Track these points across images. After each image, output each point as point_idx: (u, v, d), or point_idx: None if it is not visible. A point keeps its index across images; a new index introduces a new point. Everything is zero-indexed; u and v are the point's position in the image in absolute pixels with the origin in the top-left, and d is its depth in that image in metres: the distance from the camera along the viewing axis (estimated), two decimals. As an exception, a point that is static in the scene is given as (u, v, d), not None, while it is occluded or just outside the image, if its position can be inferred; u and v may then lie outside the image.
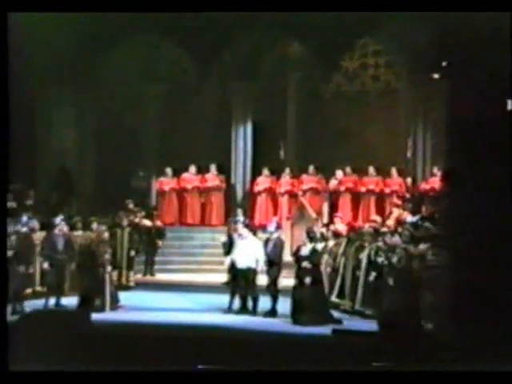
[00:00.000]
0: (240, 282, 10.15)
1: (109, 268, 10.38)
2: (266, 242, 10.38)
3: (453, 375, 5.66)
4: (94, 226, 11.45)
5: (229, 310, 10.20)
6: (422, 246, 9.52)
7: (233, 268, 10.32)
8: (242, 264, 10.16)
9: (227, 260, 10.48)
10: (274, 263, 10.17)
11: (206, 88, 14.86)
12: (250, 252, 10.14)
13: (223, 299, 10.33)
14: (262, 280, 10.30)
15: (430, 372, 5.76)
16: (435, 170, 13.39)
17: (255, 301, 10.14)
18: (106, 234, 10.76)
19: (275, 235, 10.42)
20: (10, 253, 10.29)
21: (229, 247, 10.52)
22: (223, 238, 11.21)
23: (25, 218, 11.39)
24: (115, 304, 10.36)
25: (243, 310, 10.19)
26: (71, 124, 14.45)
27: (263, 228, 11.31)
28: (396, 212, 12.65)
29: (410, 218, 11.82)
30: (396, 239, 9.98)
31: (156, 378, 5.80)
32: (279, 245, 10.34)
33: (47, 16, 12.91)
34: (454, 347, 6.77)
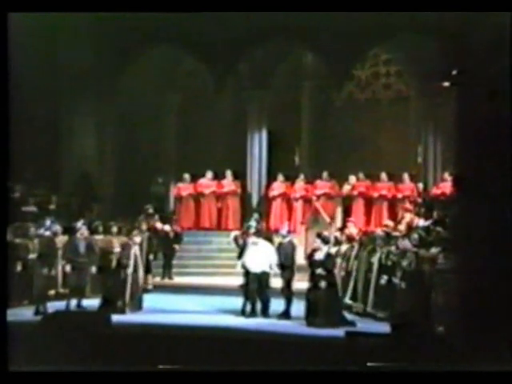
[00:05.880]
0: (253, 285, 10.09)
1: (129, 270, 10.37)
2: (279, 245, 10.36)
3: (455, 375, 5.63)
4: (114, 229, 11.48)
5: (243, 312, 10.16)
6: (434, 250, 9.43)
7: (246, 272, 10.26)
8: (255, 268, 10.12)
9: (238, 264, 10.41)
10: (286, 266, 10.13)
11: (222, 97, 14.90)
12: (262, 257, 10.09)
13: (239, 302, 10.28)
14: (276, 283, 10.26)
15: (434, 372, 5.74)
16: (445, 175, 13.33)
17: (267, 304, 10.09)
18: (138, 238, 10.64)
19: (287, 239, 10.39)
20: (33, 255, 10.43)
21: (241, 252, 10.47)
22: (235, 233, 11.18)
23: (48, 222, 11.46)
24: (138, 307, 10.31)
25: (257, 312, 10.12)
26: (92, 132, 14.51)
27: (278, 232, 11.28)
28: (408, 217, 12.56)
29: (421, 222, 11.72)
30: (407, 243, 9.88)
31: (157, 378, 5.77)
32: (291, 248, 10.31)
33: (71, 26, 13.10)
34: (464, 351, 6.69)
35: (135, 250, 10.49)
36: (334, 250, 10.40)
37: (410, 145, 14.65)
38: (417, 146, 14.45)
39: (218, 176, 14.83)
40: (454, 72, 8.20)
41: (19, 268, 10.34)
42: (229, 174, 14.77)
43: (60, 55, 14.04)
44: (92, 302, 10.42)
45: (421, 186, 13.91)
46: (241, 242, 10.70)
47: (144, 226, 12.29)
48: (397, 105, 14.99)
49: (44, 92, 13.55)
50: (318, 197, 14.11)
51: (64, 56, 14.06)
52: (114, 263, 10.73)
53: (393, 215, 13.66)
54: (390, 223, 12.22)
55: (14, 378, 5.51)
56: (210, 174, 14.79)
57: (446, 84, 10.17)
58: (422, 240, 10.00)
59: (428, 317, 8.79)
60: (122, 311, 10.04)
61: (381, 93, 15.35)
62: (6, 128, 6.10)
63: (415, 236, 10.05)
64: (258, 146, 15.11)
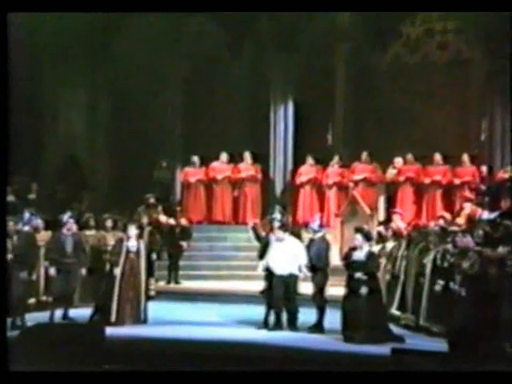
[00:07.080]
0: (278, 291, 10.05)
1: (118, 269, 10.29)
2: (310, 242, 10.34)
3: (455, 375, 6.01)
4: (108, 224, 11.48)
5: (265, 324, 10.17)
6: (501, 249, 9.34)
7: (269, 275, 10.25)
8: (280, 270, 10.11)
9: (260, 266, 10.42)
10: (318, 268, 10.13)
11: (239, 63, 15.00)
12: (289, 256, 10.10)
13: (261, 311, 10.29)
14: (306, 288, 10.25)
15: (434, 372, 6.10)
16: (516, 156, 13.33)
17: (295, 314, 10.10)
18: (133, 230, 10.45)
19: (319, 235, 10.37)
20: (9, 256, 10.38)
21: (263, 250, 10.41)
22: (254, 221, 11.15)
23: (27, 215, 11.52)
24: (140, 319, 10.32)
25: (283, 324, 10.13)
26: (82, 107, 14.71)
27: (307, 226, 11.23)
28: (468, 207, 12.55)
29: (485, 214, 11.76)
30: (468, 240, 9.80)
31: (157, 379, 6.13)
32: (324, 246, 10.30)
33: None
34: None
35: (129, 245, 10.43)
36: (376, 248, 10.41)
37: (472, 119, 14.54)
38: (480, 121, 14.32)
39: (235, 158, 14.93)
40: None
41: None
42: (247, 156, 14.85)
43: (40, 16, 13.97)
44: (81, 312, 10.48)
45: (484, 169, 13.80)
46: (262, 233, 10.68)
47: (145, 220, 12.44)
48: (455, 69, 14.82)
49: (22, 59, 13.48)
50: (356, 183, 14.13)
51: (47, 15, 13.99)
52: (108, 264, 10.70)
53: (449, 206, 13.63)
54: (447, 215, 12.20)
55: (14, 378, 6.05)
56: (224, 157, 14.89)
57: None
58: (487, 236, 9.92)
59: (494, 332, 8.72)
60: (118, 323, 10.04)
61: (435, 54, 15.16)
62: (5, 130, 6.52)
63: (479, 232, 10.00)
64: (282, 121, 15.14)
